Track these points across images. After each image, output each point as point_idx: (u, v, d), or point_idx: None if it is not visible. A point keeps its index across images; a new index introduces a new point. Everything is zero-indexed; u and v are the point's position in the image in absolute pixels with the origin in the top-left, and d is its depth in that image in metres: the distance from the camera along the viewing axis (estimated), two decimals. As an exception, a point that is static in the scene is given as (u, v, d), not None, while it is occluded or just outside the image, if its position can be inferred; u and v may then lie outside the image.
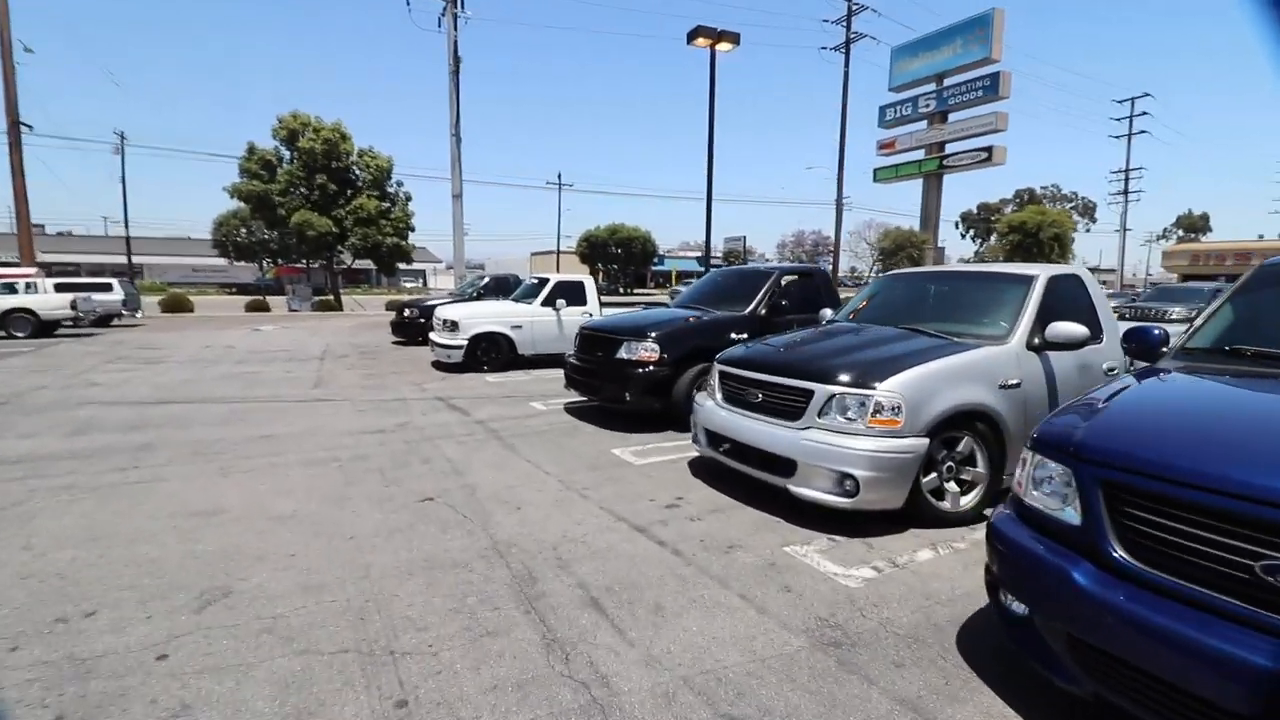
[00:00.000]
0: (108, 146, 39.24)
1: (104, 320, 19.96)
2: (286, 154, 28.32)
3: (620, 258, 57.28)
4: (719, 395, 4.76)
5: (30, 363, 11.37)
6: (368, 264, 44.06)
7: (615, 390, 6.54)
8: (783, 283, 7.36)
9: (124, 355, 12.51)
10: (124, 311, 20.42)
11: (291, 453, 5.51)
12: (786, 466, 3.98)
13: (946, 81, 36.65)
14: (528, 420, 7.00)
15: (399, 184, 30.18)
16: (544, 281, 11.39)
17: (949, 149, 37.05)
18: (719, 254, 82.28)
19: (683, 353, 6.52)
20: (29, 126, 22.96)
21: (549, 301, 10.94)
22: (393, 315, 16.08)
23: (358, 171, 28.83)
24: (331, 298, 29.73)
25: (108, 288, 20.02)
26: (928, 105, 37.64)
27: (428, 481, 4.76)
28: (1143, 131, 59.79)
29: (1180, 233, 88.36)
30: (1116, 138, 60.15)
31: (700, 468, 5.19)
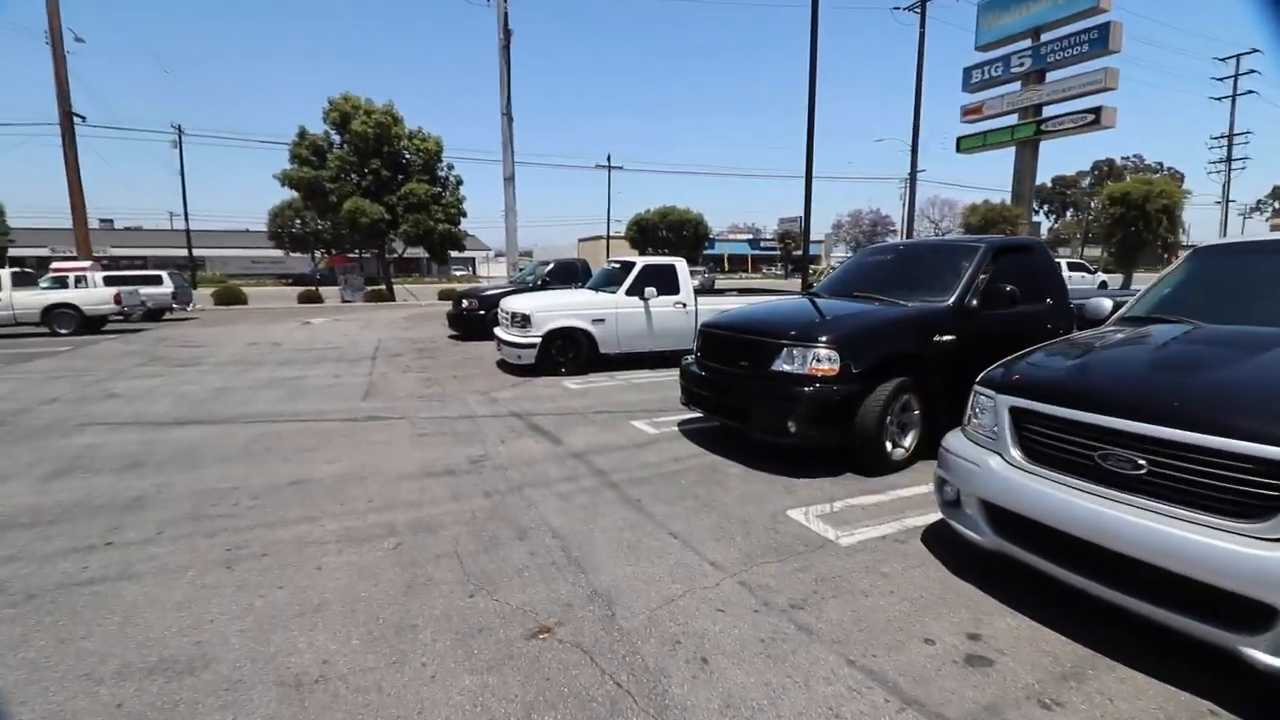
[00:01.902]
0: (166, 139, 39.31)
1: (155, 314, 19.22)
2: (337, 139, 27.31)
3: (671, 242, 55.30)
4: (1015, 450, 2.82)
5: (58, 365, 10.24)
6: (419, 252, 43.34)
7: (771, 417, 4.65)
8: (997, 261, 5.30)
9: (161, 355, 11.31)
10: (174, 305, 19.65)
11: (329, 518, 3.83)
12: (1245, 614, 2.03)
13: (1044, 36, 32.93)
14: (642, 452, 5.20)
15: (449, 167, 28.90)
16: (628, 266, 9.55)
17: (1047, 112, 33.41)
18: (769, 235, 79.06)
19: (872, 362, 4.58)
20: (81, 117, 22.45)
21: (636, 290, 9.11)
22: (448, 306, 14.61)
23: (408, 155, 27.60)
24: (384, 288, 28.76)
25: (157, 280, 19.25)
26: (1021, 64, 33.98)
27: (533, 585, 2.99)
28: (1250, 92, 53.95)
29: (1276, 205, 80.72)
30: (1219, 99, 54.34)
31: (960, 557, 3.26)
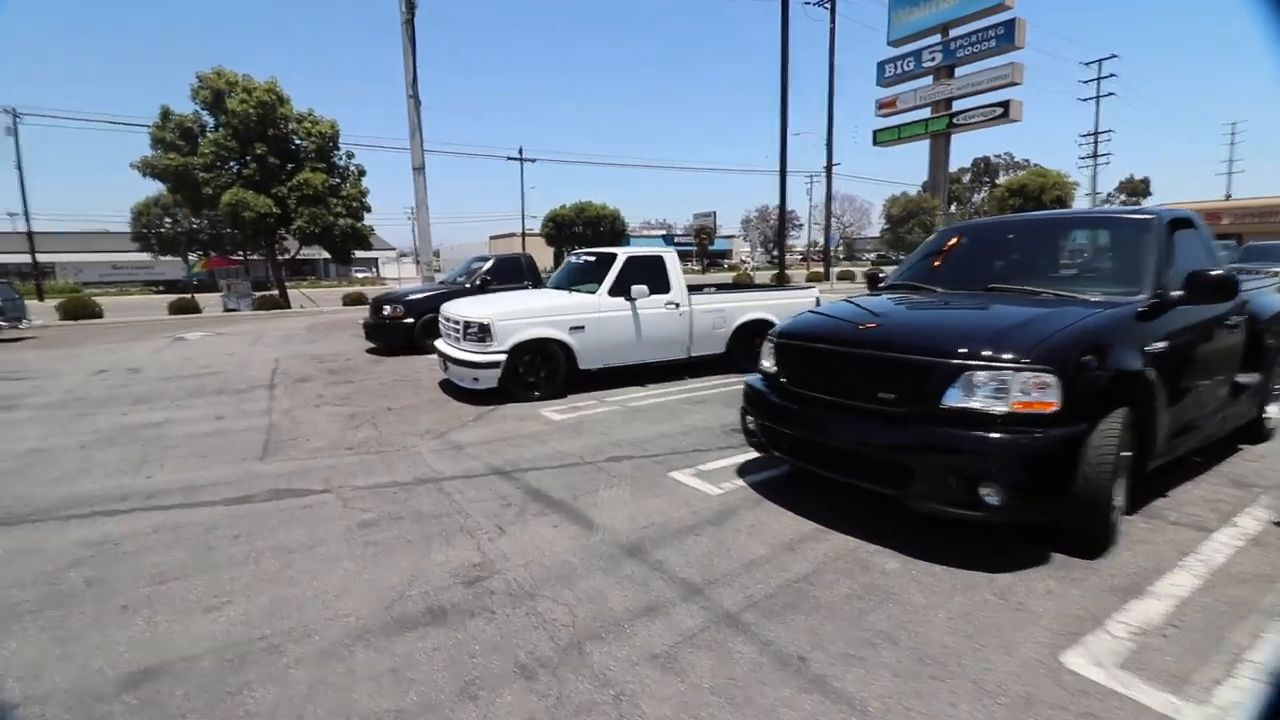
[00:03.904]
0: (-7, 124, 32.85)
1: (-25, 335, 15.27)
2: (210, 120, 23.37)
3: (587, 238, 53.49)
4: None
5: None
6: (314, 252, 39.06)
7: (951, 482, 2.98)
8: (1174, 237, 3.90)
9: (-39, 394, 8.26)
10: (1, 323, 15.69)
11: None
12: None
13: (953, 32, 33.69)
14: (727, 537, 3.39)
15: (348, 155, 25.52)
16: (605, 259, 7.66)
17: (957, 106, 34.25)
18: (679, 231, 78.56)
19: (1098, 388, 3.03)
20: None
21: (620, 289, 7.25)
22: (358, 313, 12.11)
23: (298, 141, 24.08)
24: (276, 293, 25.07)
25: (-27, 292, 15.28)
26: (932, 59, 34.67)
27: None
28: (1110, 94, 58.86)
29: (1123, 197, 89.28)
30: (1084, 100, 58.76)
31: None
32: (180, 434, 5.80)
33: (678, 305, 7.66)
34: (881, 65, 37.14)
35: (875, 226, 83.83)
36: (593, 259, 8.01)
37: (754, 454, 4.74)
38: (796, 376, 3.76)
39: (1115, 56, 55.84)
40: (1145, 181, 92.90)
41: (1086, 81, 57.41)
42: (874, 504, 3.67)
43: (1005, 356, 2.97)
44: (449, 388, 7.53)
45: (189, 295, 23.93)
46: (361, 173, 25.79)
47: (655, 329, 7.51)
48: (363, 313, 14.45)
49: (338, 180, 24.67)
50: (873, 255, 76.30)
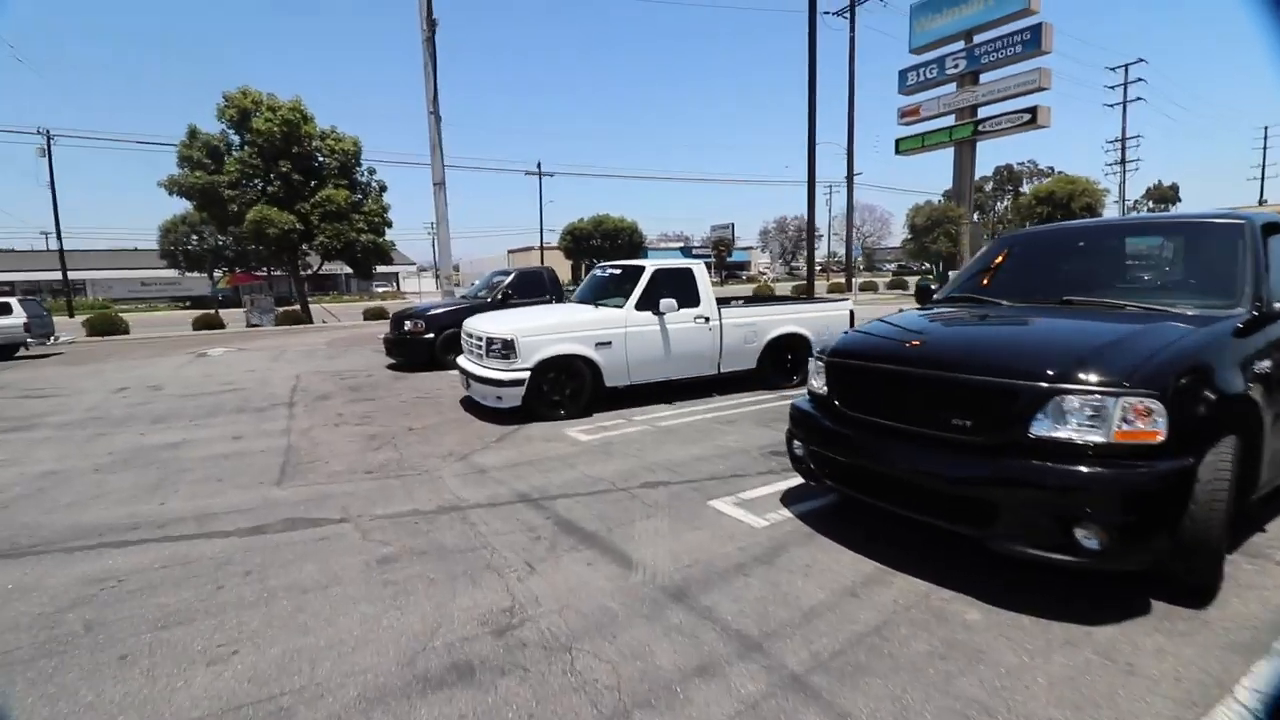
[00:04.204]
0: (33, 145, 33.76)
1: (6, 351, 15.45)
2: (236, 139, 23.71)
3: (605, 250, 53.48)
4: None
5: None
6: (336, 268, 39.45)
7: (1043, 522, 2.63)
8: (1269, 243, 3.52)
9: (-16, 412, 8.20)
10: (29, 339, 15.87)
11: None
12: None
13: (977, 38, 33.17)
14: (780, 578, 3.06)
15: (370, 171, 25.73)
16: (632, 272, 7.39)
17: (982, 113, 33.63)
18: (697, 243, 78.19)
19: (1206, 416, 2.68)
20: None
21: (647, 302, 6.97)
22: (377, 328, 11.98)
23: (321, 158, 24.32)
24: (298, 308, 25.23)
25: (5, 309, 15.47)
26: (956, 66, 34.15)
27: None
28: (1139, 99, 57.94)
29: (1150, 204, 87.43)
30: (1111, 105, 57.72)
31: None
32: (197, 455, 5.61)
33: (707, 319, 7.36)
34: (903, 73, 36.67)
35: (895, 237, 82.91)
36: (619, 272, 7.75)
37: (796, 480, 4.40)
38: (852, 399, 3.43)
39: (1143, 61, 55.03)
40: (1174, 188, 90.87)
41: (1113, 87, 56.48)
42: (939, 539, 3.32)
43: (1103, 380, 2.62)
44: (471, 406, 7.29)
45: (213, 311, 24.16)
46: (383, 188, 25.99)
47: (684, 344, 7.21)
48: (384, 328, 14.37)
49: (360, 196, 24.87)
50: (893, 266, 75.39)
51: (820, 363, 3.73)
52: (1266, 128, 63.78)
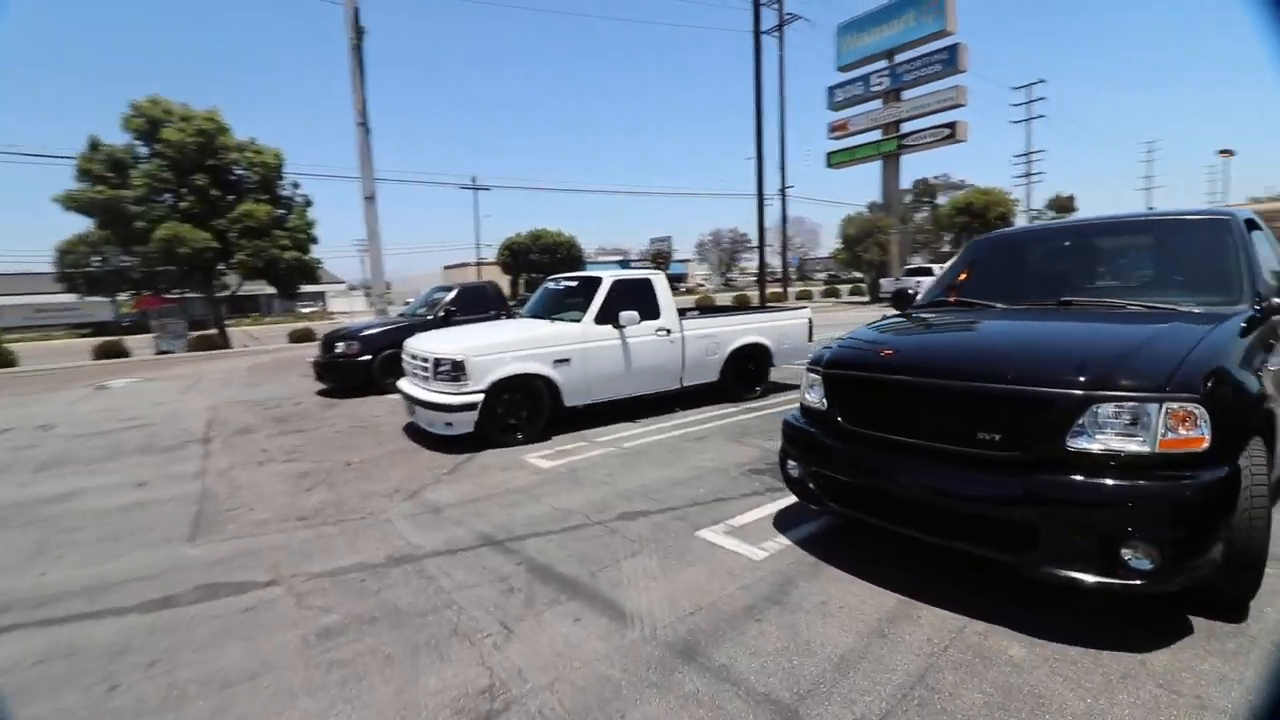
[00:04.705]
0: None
1: None
2: (144, 150, 21.90)
3: (544, 264, 52.84)
4: None
5: None
6: (257, 288, 37.15)
7: (1088, 543, 2.37)
8: (1251, 238, 3.47)
9: None
10: (-109, 375, 13.93)
11: None
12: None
13: (899, 57, 34.65)
14: (797, 621, 2.69)
15: (294, 185, 24.28)
16: (589, 284, 6.98)
17: (906, 128, 35.09)
18: (635, 256, 78.44)
19: (1242, 419, 2.53)
20: None
21: (607, 315, 6.57)
22: (306, 351, 11.08)
23: (240, 171, 22.78)
24: (215, 332, 23.43)
25: None
26: (880, 83, 35.55)
27: None
28: (1041, 116, 62.33)
29: (1052, 214, 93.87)
30: (1016, 122, 61.68)
31: None
32: (90, 508, 4.80)
33: (669, 331, 7.01)
34: (832, 89, 37.94)
35: (824, 247, 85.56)
36: (574, 284, 7.32)
37: (784, 501, 4.10)
38: (858, 414, 3.13)
39: (1044, 81, 59.27)
40: (1071, 198, 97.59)
41: (1017, 105, 60.41)
42: (950, 562, 3.05)
43: (1143, 384, 2.40)
44: (416, 433, 6.66)
45: (117, 338, 22.14)
46: (308, 203, 24.58)
47: (646, 358, 6.84)
48: (311, 350, 13.36)
49: (283, 211, 23.42)
50: (824, 275, 77.72)
51: (816, 375, 3.42)
52: (1150, 142, 69.74)
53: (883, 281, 33.28)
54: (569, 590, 3.08)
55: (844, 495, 3.16)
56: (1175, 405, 2.34)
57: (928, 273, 31.32)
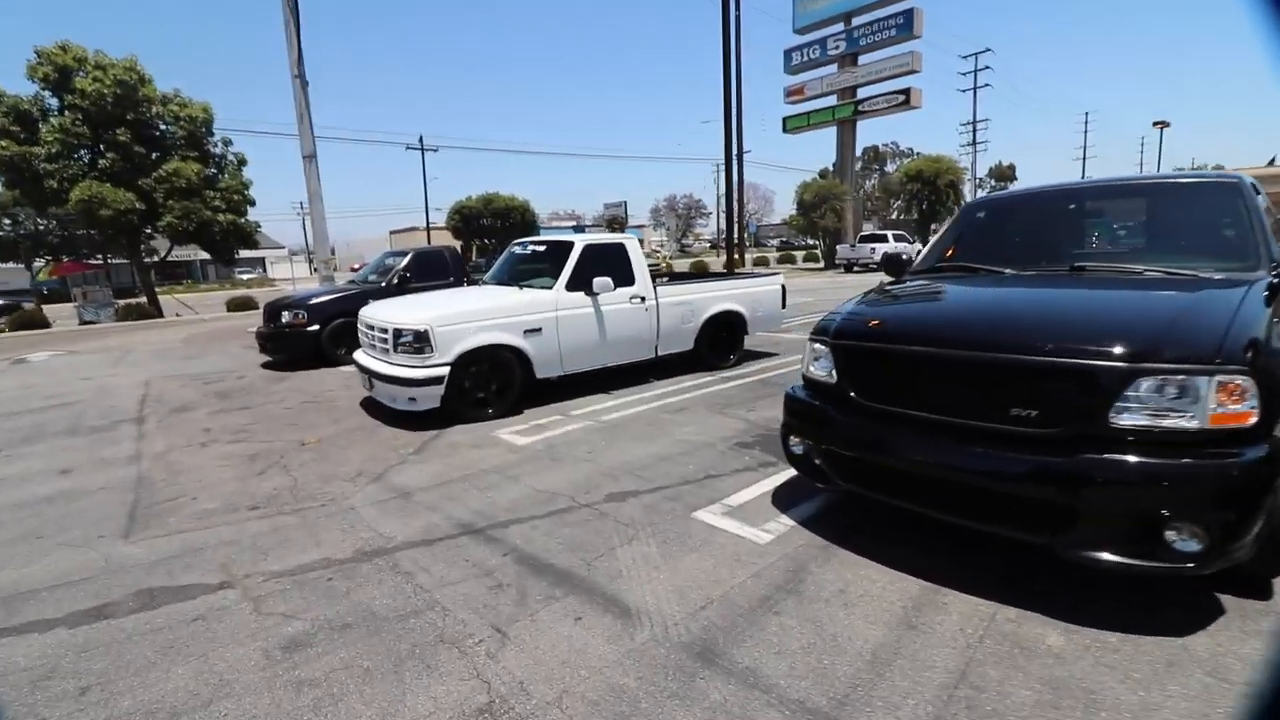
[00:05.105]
0: None
1: None
2: (55, 103, 19.91)
3: (497, 229, 51.33)
4: None
5: None
6: (190, 253, 34.92)
7: (1131, 525, 2.23)
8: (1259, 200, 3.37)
9: None
10: None
11: None
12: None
13: (855, 21, 34.35)
14: (830, 610, 2.49)
15: (225, 143, 22.56)
16: (559, 249, 6.58)
17: (862, 93, 35.03)
18: (589, 222, 77.11)
19: (1276, 391, 2.38)
20: None
21: (579, 282, 6.21)
22: (246, 320, 10.34)
23: (165, 126, 21.03)
24: (144, 300, 21.88)
25: None
26: (837, 47, 35.24)
27: None
28: (987, 85, 63.61)
29: (994, 182, 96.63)
30: (963, 90, 62.68)
31: None
32: (6, 502, 4.25)
33: (643, 299, 6.70)
34: (788, 53, 37.46)
35: (777, 214, 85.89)
36: (542, 249, 6.90)
37: (779, 477, 3.92)
38: (873, 388, 2.91)
39: (990, 50, 60.22)
40: (1012, 167, 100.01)
41: (965, 73, 61.26)
42: (964, 538, 2.91)
43: (1190, 356, 2.24)
44: (375, 408, 6.23)
45: (35, 307, 20.45)
46: (242, 162, 22.96)
47: (620, 327, 6.52)
48: (251, 319, 12.53)
49: (214, 171, 21.82)
50: (776, 241, 78.19)
51: (823, 346, 3.18)
52: (1087, 113, 71.94)
53: (839, 248, 33.49)
54: (564, 584, 2.81)
55: (856, 473, 2.96)
56: (1225, 378, 2.19)
57: (882, 239, 31.69)
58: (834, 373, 3.08)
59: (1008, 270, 3.51)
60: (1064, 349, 2.39)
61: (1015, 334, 2.57)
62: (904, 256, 4.42)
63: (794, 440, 3.30)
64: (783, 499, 3.64)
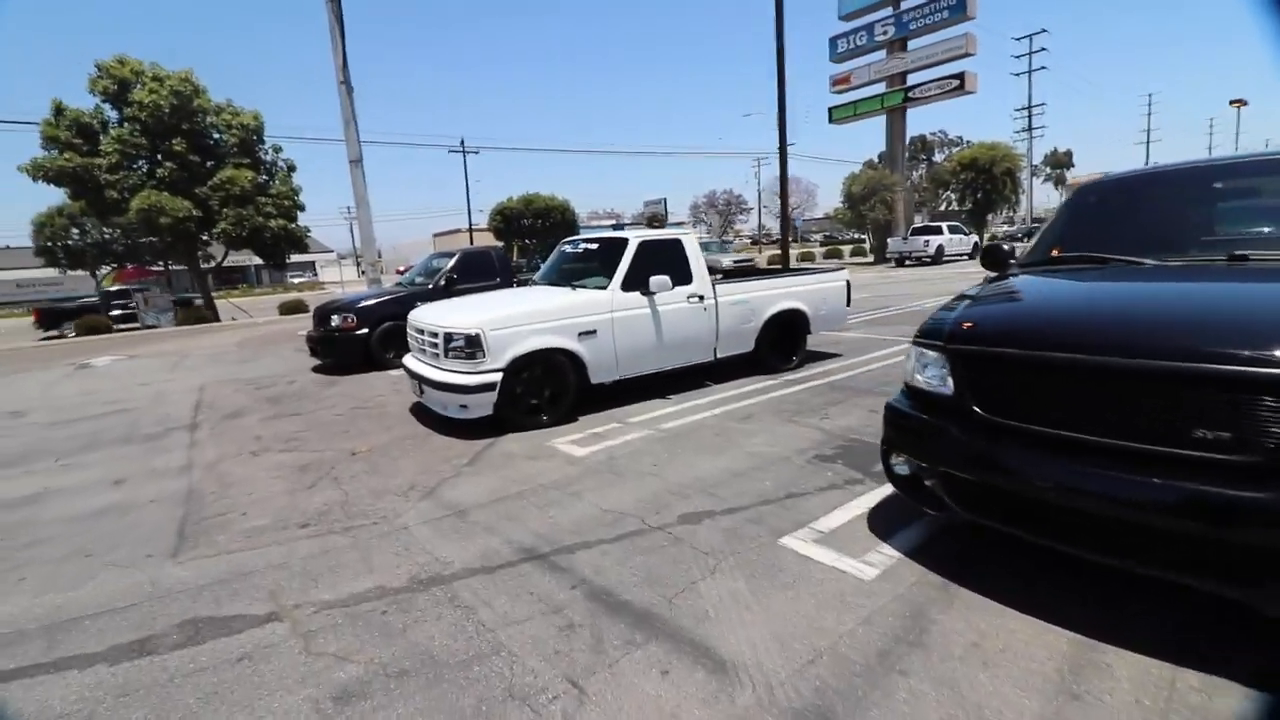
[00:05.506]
0: None
1: None
2: (114, 115, 20.65)
3: (538, 229, 51.54)
4: None
5: None
6: (244, 258, 35.98)
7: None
8: None
9: None
10: None
11: None
12: None
13: (904, 4, 33.04)
14: (968, 670, 2.09)
15: (276, 150, 23.06)
16: (613, 246, 6.25)
17: (912, 79, 33.73)
18: (629, 220, 76.71)
19: None
20: None
21: (634, 281, 5.87)
22: (299, 324, 10.36)
23: (218, 135, 21.59)
24: (200, 302, 22.55)
25: None
26: (885, 32, 34.01)
27: None
28: (1043, 68, 60.92)
29: (1049, 170, 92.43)
30: (1017, 74, 59.98)
31: None
32: (59, 515, 4.15)
33: (701, 298, 6.32)
34: (834, 40, 36.38)
35: (819, 208, 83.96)
36: (594, 246, 6.58)
37: (871, 498, 3.50)
38: (1004, 402, 2.48)
39: (1045, 31, 57.55)
40: (1069, 154, 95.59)
41: (1019, 56, 58.64)
42: (1108, 578, 2.45)
43: None
44: (425, 414, 6.02)
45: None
46: (291, 168, 23.44)
47: (678, 329, 6.16)
48: (303, 323, 12.63)
49: (265, 177, 22.30)
50: (819, 236, 76.56)
51: (934, 352, 2.75)
52: (1150, 95, 68.16)
53: (890, 241, 32.38)
54: (644, 626, 2.47)
55: (980, 501, 2.54)
56: None
57: (936, 231, 30.48)
58: (950, 382, 2.66)
59: (1147, 261, 3.01)
60: (1263, 357, 1.92)
61: (1193, 339, 2.10)
62: (1006, 248, 3.93)
63: (897, 459, 2.89)
64: (879, 524, 3.23)
